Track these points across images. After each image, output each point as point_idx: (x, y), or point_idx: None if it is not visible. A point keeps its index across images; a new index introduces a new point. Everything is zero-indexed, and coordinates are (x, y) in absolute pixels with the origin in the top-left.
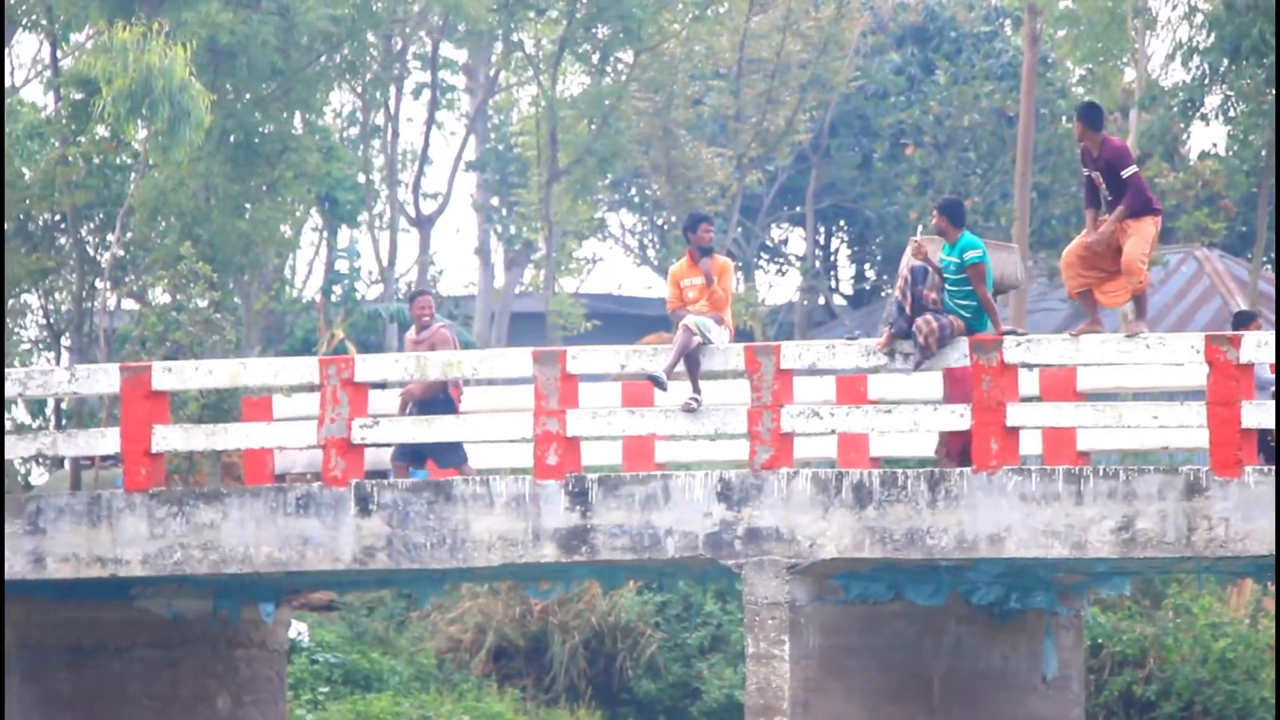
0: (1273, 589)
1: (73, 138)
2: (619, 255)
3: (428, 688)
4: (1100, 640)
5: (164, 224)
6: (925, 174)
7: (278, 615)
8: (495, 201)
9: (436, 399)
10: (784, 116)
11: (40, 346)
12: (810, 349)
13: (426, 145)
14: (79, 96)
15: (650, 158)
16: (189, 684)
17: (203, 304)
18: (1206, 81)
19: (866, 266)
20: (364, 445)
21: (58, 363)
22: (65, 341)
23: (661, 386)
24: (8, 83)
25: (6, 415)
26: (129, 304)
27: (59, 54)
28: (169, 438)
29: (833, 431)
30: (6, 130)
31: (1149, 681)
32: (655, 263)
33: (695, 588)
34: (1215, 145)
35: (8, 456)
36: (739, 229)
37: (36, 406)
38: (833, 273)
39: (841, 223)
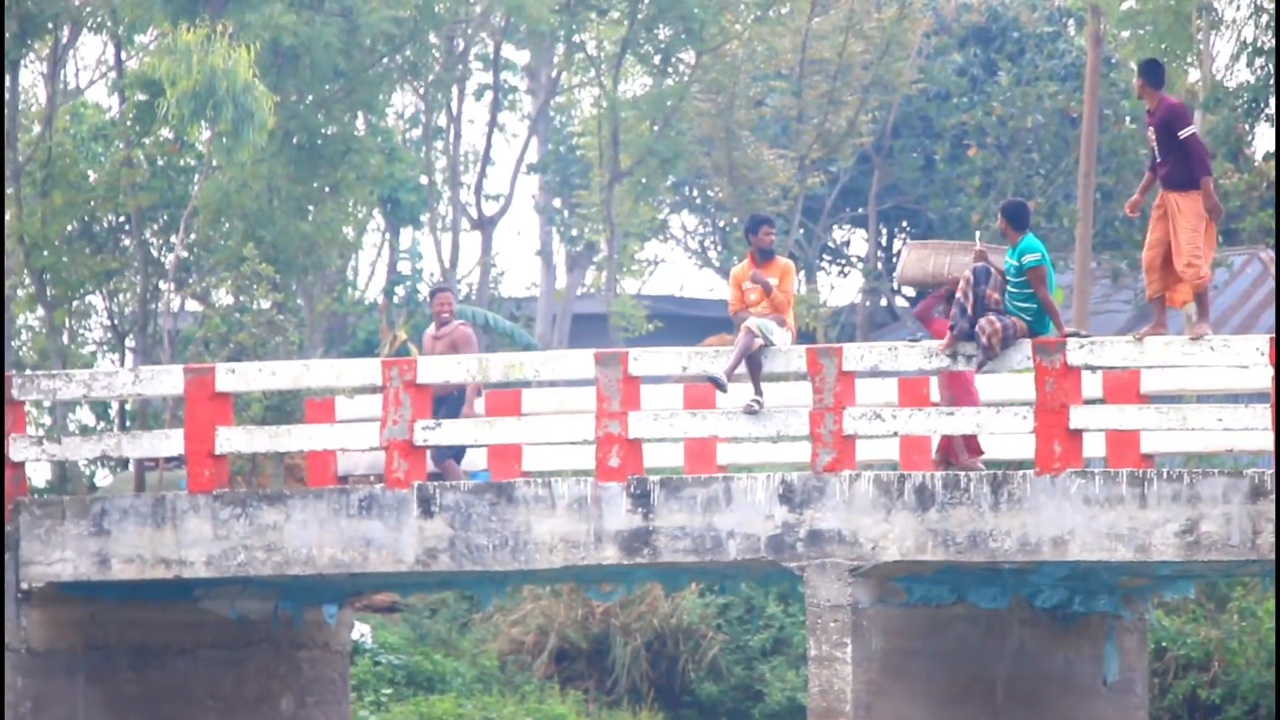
0: None
1: (137, 139)
2: (681, 257)
3: (490, 689)
4: (1164, 644)
5: (227, 225)
6: (988, 175)
7: (341, 617)
8: (557, 203)
9: (450, 395)
10: (846, 117)
11: (105, 348)
12: (872, 351)
13: (488, 146)
14: (143, 98)
15: (712, 159)
16: (253, 685)
17: (266, 305)
18: (1271, 82)
19: None
20: (426, 447)
21: (122, 364)
22: (129, 343)
23: (723, 388)
24: (72, 84)
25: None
26: (193, 305)
27: (124, 56)
28: (232, 439)
29: (895, 434)
30: (72, 132)
31: (1213, 685)
32: (717, 264)
33: (757, 590)
34: None
35: (72, 458)
36: (801, 230)
37: (101, 408)
38: (895, 274)
39: (904, 224)
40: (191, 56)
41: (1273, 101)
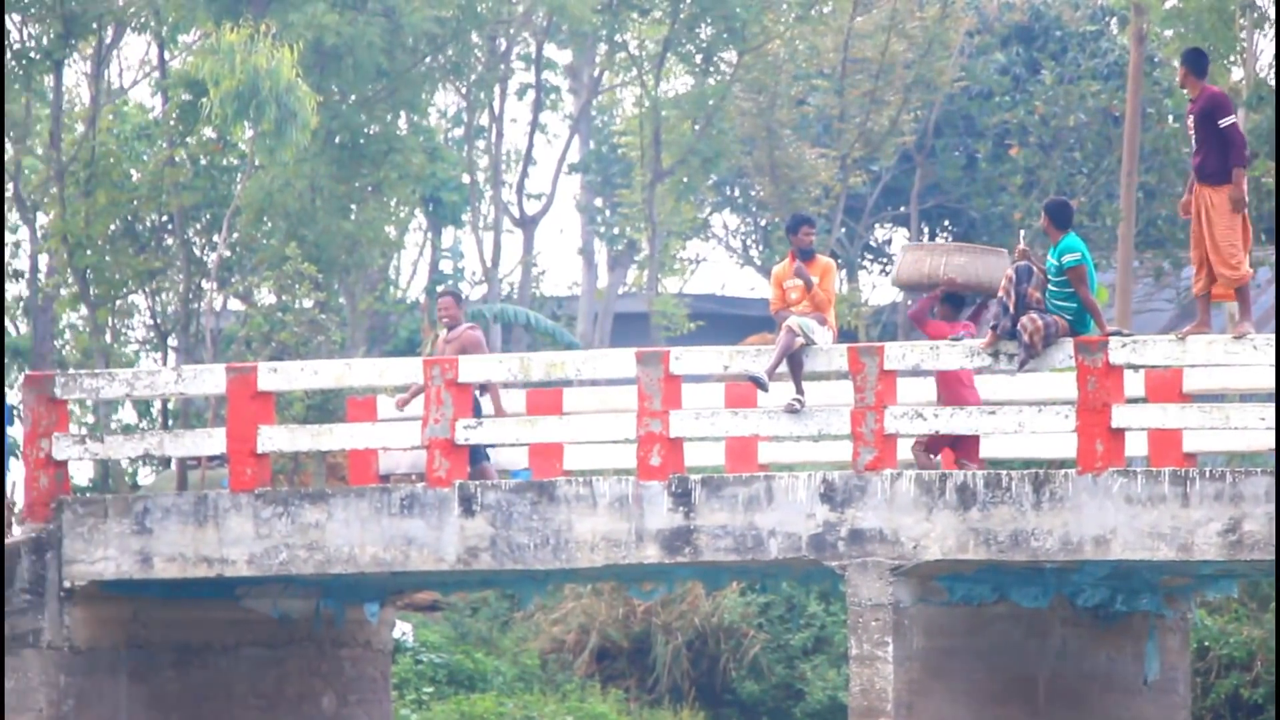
0: None
1: (180, 139)
2: (722, 256)
3: (531, 688)
4: (1207, 643)
5: (270, 225)
6: (1030, 174)
7: (382, 615)
8: (599, 202)
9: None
10: (888, 116)
11: (147, 347)
12: (914, 350)
13: (530, 146)
14: (187, 98)
15: (754, 158)
16: (294, 683)
17: (308, 304)
18: None
19: None
20: (467, 446)
21: (164, 363)
22: (172, 342)
23: (764, 387)
24: (116, 84)
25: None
26: (235, 304)
27: (167, 56)
28: (274, 438)
29: (936, 433)
30: (115, 132)
31: (1256, 685)
32: (758, 263)
33: (798, 589)
34: None
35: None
36: (842, 229)
37: (143, 407)
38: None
39: (946, 223)
40: (235, 56)
41: None
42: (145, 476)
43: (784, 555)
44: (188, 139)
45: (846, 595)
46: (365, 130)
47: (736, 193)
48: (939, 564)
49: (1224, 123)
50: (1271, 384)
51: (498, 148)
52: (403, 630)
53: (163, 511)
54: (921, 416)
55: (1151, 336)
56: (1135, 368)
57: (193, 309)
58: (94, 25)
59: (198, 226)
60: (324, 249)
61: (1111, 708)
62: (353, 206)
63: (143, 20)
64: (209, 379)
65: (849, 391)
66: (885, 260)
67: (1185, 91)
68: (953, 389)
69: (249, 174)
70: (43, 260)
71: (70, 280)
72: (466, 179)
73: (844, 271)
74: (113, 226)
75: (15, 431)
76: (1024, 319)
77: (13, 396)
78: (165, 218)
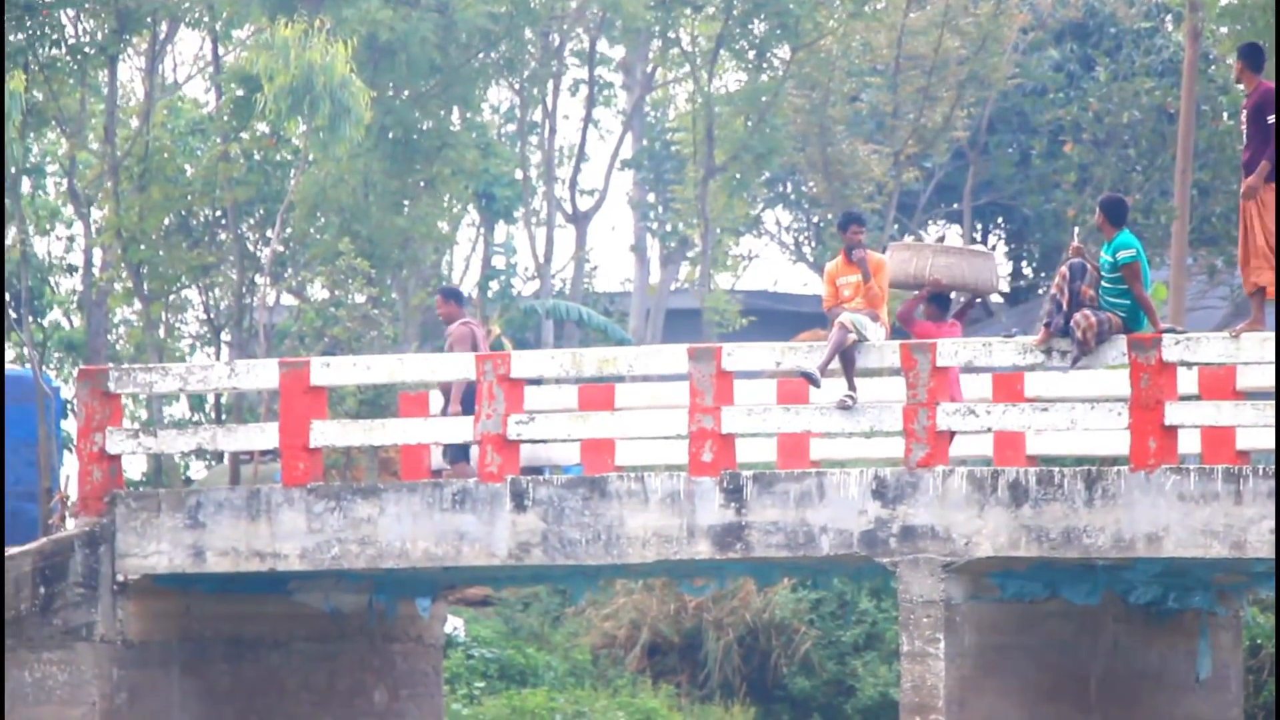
0: None
1: (234, 134)
2: (775, 252)
3: (582, 683)
4: (1259, 640)
5: (323, 220)
6: (1084, 171)
7: (434, 610)
8: (651, 198)
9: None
10: (941, 113)
11: (200, 342)
12: (966, 346)
13: (583, 142)
14: (240, 93)
15: (806, 154)
16: (346, 677)
17: (361, 300)
18: None
19: (1024, 264)
20: (520, 441)
21: (217, 358)
22: (225, 337)
23: (816, 384)
24: (170, 80)
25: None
26: (288, 299)
27: (221, 51)
28: (327, 433)
29: (989, 430)
30: (169, 127)
31: None
32: (811, 260)
33: (850, 585)
34: None
35: (168, 451)
36: (895, 226)
37: (197, 401)
38: None
39: (999, 220)
40: (289, 51)
41: None
42: (198, 471)
43: (835, 552)
44: (241, 134)
45: (898, 592)
46: (419, 126)
47: (789, 189)
48: (991, 561)
49: (1273, 119)
50: None
51: (550, 144)
52: (454, 625)
53: (215, 506)
54: (974, 413)
55: (1205, 334)
56: (1189, 365)
57: (246, 304)
58: (148, 20)
59: (251, 222)
60: (377, 244)
61: (1163, 705)
62: (405, 202)
63: (197, 15)
64: (262, 374)
65: (901, 388)
66: None
67: (1241, 86)
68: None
69: (302, 169)
70: (97, 255)
71: (124, 275)
72: (519, 175)
73: None
74: (166, 221)
75: (69, 425)
76: (1077, 315)
77: (67, 391)
78: (219, 213)
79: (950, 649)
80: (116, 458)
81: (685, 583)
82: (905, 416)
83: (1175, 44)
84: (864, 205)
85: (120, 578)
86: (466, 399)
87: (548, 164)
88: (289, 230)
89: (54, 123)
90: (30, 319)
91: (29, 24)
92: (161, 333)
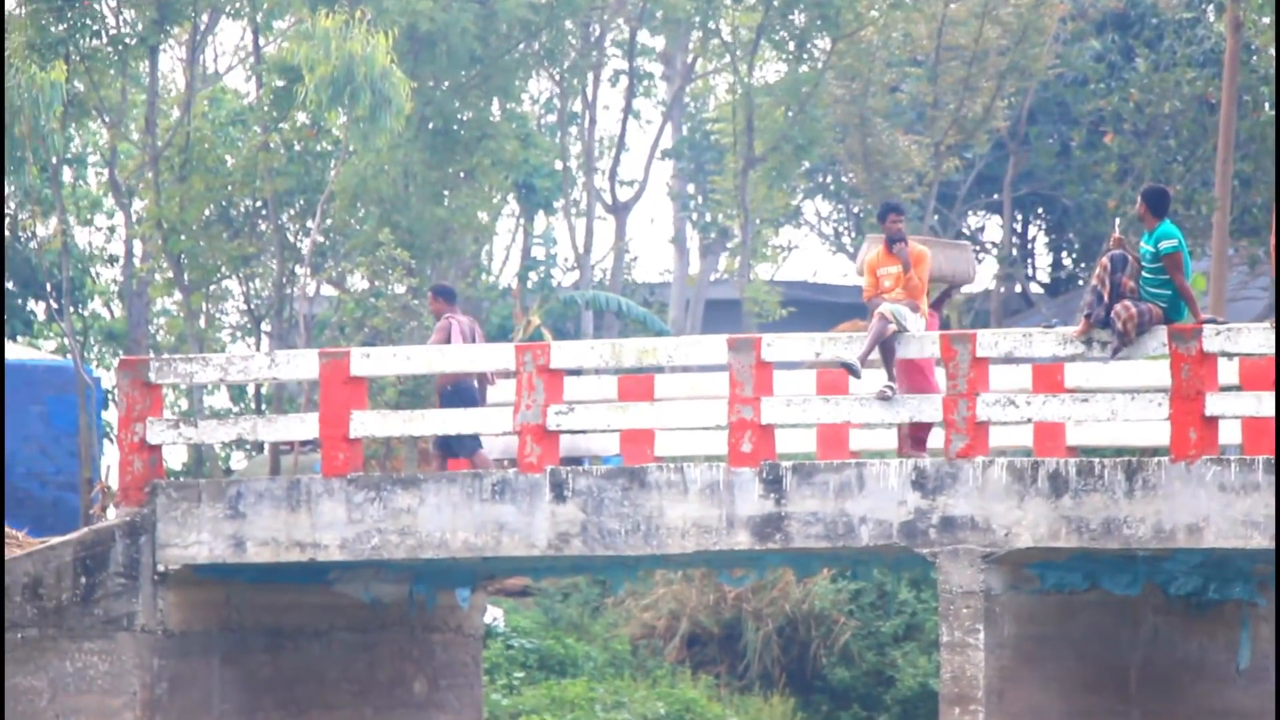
0: None
1: (274, 125)
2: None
3: (622, 674)
4: None
5: (363, 211)
6: (1124, 161)
7: (473, 600)
8: (691, 189)
9: (462, 389)
10: (982, 104)
11: (241, 332)
12: (1007, 337)
13: (623, 132)
14: (281, 84)
15: (846, 145)
16: (386, 668)
17: (401, 290)
18: None
19: (1064, 254)
20: (559, 431)
21: (257, 348)
22: (265, 327)
23: (856, 374)
24: (211, 69)
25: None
26: (328, 290)
27: (262, 42)
28: (367, 423)
29: (1029, 420)
30: (210, 117)
31: None
32: (851, 250)
33: (889, 576)
34: None
35: (208, 441)
36: (935, 217)
37: (237, 392)
38: (1030, 261)
39: (1039, 210)
40: (329, 42)
41: None
42: (238, 461)
43: (875, 542)
44: (282, 125)
45: (938, 582)
46: (459, 117)
47: (829, 180)
48: (1030, 551)
49: None
50: None
51: (590, 134)
52: (494, 615)
53: (255, 496)
54: (1014, 404)
55: (1246, 324)
56: (1229, 356)
57: (286, 294)
58: (189, 11)
59: (291, 212)
60: (417, 235)
61: (1204, 696)
62: (445, 193)
63: (238, 6)
64: (302, 364)
65: (941, 379)
66: (979, 247)
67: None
68: (913, 378)
69: (343, 160)
70: (137, 245)
71: (165, 265)
72: (559, 165)
73: None
74: (207, 212)
75: (109, 415)
76: (1118, 306)
77: (108, 381)
78: (259, 203)
79: (990, 640)
80: (157, 448)
81: (724, 573)
82: (945, 407)
83: (1217, 34)
84: (904, 196)
85: (161, 568)
86: (446, 398)
87: (587, 155)
88: (329, 221)
89: (95, 113)
90: (71, 309)
91: (70, 15)
92: (202, 323)
